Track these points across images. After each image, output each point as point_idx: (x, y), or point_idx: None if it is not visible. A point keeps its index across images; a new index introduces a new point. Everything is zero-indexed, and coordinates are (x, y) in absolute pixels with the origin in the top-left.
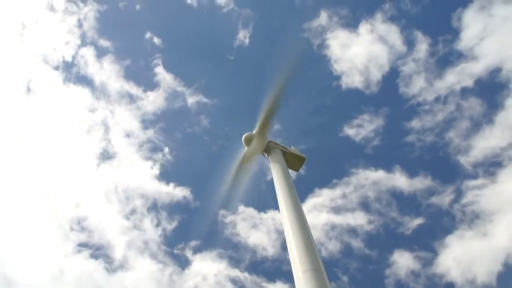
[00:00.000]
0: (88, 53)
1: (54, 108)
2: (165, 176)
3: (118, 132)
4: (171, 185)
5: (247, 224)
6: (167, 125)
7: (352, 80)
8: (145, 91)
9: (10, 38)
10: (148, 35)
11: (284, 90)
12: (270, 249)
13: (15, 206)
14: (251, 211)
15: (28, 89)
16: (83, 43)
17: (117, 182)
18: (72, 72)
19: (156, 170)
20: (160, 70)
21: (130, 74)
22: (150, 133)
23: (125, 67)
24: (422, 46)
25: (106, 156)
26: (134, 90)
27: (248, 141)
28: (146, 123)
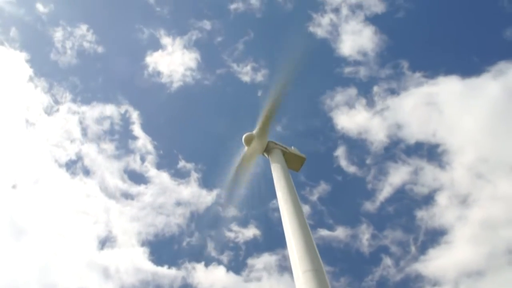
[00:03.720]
0: (90, 149)
1: (59, 197)
2: (160, 258)
3: (118, 219)
4: (165, 266)
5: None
6: (164, 214)
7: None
8: (144, 187)
9: (16, 133)
10: (141, 133)
11: (285, 91)
12: None
13: (22, 279)
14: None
15: (36, 180)
16: (84, 140)
17: (117, 262)
18: (75, 167)
19: (152, 256)
20: (153, 167)
21: (128, 170)
22: (148, 219)
23: (125, 163)
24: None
25: (107, 239)
26: (133, 187)
27: (248, 141)
28: (145, 211)
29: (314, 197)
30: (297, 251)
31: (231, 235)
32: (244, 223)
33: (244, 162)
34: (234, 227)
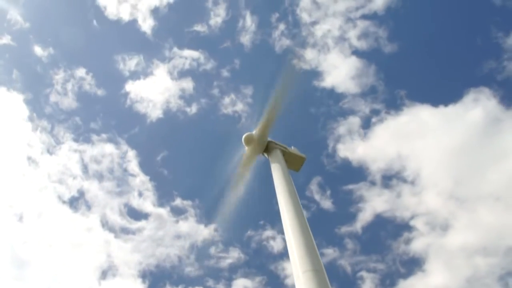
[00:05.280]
0: (91, 186)
1: (62, 231)
2: None
3: (118, 251)
4: None
5: None
6: (163, 246)
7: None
8: (144, 222)
9: (18, 171)
10: (139, 171)
11: (286, 91)
12: None
13: None
14: None
15: (39, 214)
16: (85, 177)
17: None
18: (77, 203)
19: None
20: (151, 205)
21: (128, 206)
22: (148, 251)
23: (125, 199)
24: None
25: (107, 271)
26: (133, 223)
27: (248, 141)
28: (145, 243)
29: None
30: (297, 251)
31: (216, 259)
32: (227, 246)
33: (244, 162)
34: (219, 250)
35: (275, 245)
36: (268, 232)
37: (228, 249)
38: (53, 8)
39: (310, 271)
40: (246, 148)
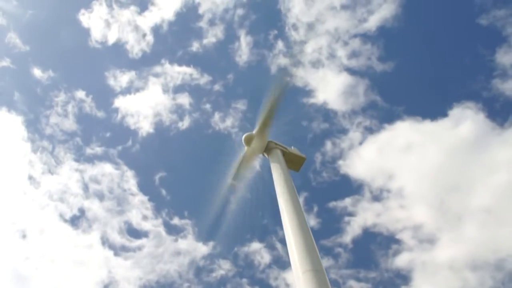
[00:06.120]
0: (91, 205)
1: (63, 248)
2: None
3: (118, 268)
4: None
5: None
6: (162, 262)
7: None
8: (144, 240)
9: (20, 190)
10: (136, 191)
11: (284, 91)
12: None
13: None
14: None
15: (41, 231)
16: (86, 196)
17: None
18: (78, 221)
19: None
20: (150, 224)
21: (128, 224)
22: (147, 268)
23: (125, 218)
24: None
25: (108, 285)
26: (133, 241)
27: (248, 141)
28: (144, 260)
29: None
30: (297, 251)
31: (207, 272)
32: (219, 258)
33: (244, 162)
34: (208, 263)
35: (264, 258)
36: (256, 245)
37: (220, 262)
38: (50, 30)
39: (310, 271)
40: (246, 148)
